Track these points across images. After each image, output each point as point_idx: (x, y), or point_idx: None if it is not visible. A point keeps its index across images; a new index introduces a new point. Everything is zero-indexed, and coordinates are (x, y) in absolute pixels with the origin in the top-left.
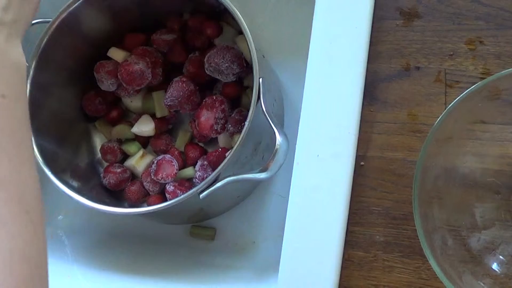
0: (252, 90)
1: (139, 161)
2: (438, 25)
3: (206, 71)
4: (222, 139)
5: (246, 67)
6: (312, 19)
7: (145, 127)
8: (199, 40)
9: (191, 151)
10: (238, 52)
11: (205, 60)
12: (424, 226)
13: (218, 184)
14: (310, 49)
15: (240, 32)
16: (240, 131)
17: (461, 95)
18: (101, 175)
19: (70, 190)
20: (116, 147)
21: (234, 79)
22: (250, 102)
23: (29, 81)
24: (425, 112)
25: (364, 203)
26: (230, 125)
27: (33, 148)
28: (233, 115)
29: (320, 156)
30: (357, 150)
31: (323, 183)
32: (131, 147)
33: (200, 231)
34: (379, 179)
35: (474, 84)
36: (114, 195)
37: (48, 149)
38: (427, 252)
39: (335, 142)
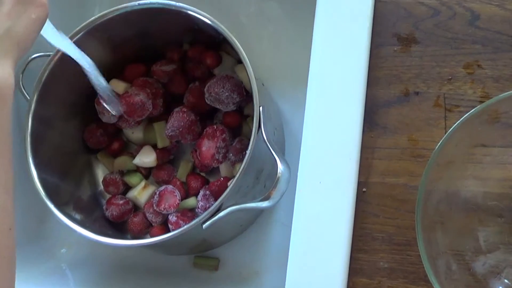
0: (253, 119)
1: (141, 193)
2: (435, 50)
3: (207, 101)
4: (223, 169)
5: (246, 96)
6: (310, 46)
7: (146, 158)
8: (198, 70)
9: (193, 181)
10: (238, 81)
11: (205, 89)
12: (428, 251)
13: (221, 214)
14: (309, 76)
15: (239, 61)
16: (241, 160)
17: (461, 119)
18: (104, 207)
19: (73, 222)
20: (118, 179)
21: (234, 108)
22: (251, 130)
23: (30, 115)
24: (425, 137)
25: (367, 230)
26: (231, 154)
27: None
28: (234, 144)
29: (322, 183)
30: (358, 176)
31: (326, 210)
32: (133, 179)
33: (204, 261)
34: (381, 205)
35: (474, 108)
36: (117, 227)
37: (50, 182)
38: (431, 277)
39: (336, 168)
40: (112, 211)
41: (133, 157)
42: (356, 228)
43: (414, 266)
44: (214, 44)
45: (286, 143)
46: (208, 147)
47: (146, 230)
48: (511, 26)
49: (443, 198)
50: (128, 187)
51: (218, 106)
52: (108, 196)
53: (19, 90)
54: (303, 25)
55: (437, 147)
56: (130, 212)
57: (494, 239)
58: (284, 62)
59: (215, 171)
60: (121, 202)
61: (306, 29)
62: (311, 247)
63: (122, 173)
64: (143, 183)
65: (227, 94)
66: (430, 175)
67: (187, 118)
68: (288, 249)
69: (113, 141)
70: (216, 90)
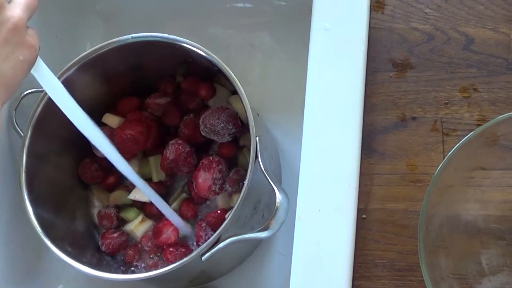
0: (248, 149)
1: (138, 226)
2: (431, 75)
3: (202, 133)
4: (220, 200)
5: (241, 126)
6: (302, 76)
7: (142, 193)
8: (193, 102)
9: (187, 211)
10: (233, 112)
11: (200, 121)
12: (431, 275)
13: (220, 245)
14: (305, 104)
15: (233, 92)
16: (238, 191)
17: (459, 143)
18: (99, 242)
19: (70, 258)
20: (113, 214)
21: (230, 139)
22: (247, 161)
23: (25, 150)
24: (424, 162)
25: (368, 256)
26: (228, 185)
27: None
28: (230, 175)
29: (321, 211)
30: (358, 203)
31: (326, 238)
32: (129, 213)
33: None
34: (382, 231)
35: (471, 132)
36: (113, 261)
37: (46, 217)
38: None
39: (336, 196)
40: (107, 245)
41: (129, 191)
42: (357, 255)
43: None
44: (207, 76)
45: (283, 173)
46: (204, 178)
47: (142, 262)
48: (505, 49)
49: (444, 222)
50: (122, 220)
51: (213, 138)
52: (102, 229)
53: (12, 127)
54: (294, 54)
55: (436, 171)
56: (125, 244)
57: (497, 262)
58: (277, 93)
59: (209, 200)
60: (115, 235)
61: (297, 58)
62: (312, 275)
63: (118, 207)
64: (140, 218)
65: (222, 125)
66: (431, 199)
67: (183, 150)
68: (287, 279)
69: (108, 175)
70: (211, 121)
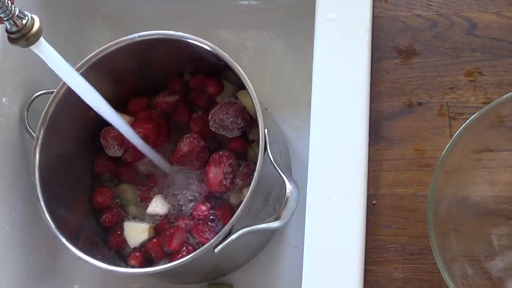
0: (257, 144)
1: (142, 233)
2: (436, 60)
3: (211, 128)
4: (232, 196)
5: (250, 120)
6: (309, 70)
7: (160, 209)
8: (201, 99)
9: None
10: (241, 106)
11: (209, 117)
12: (443, 257)
13: (233, 237)
14: (312, 94)
15: (240, 87)
16: (249, 185)
17: (463, 125)
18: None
19: (85, 254)
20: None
21: (239, 134)
22: (256, 155)
23: (37, 150)
24: (431, 146)
25: (380, 241)
26: (238, 179)
27: None
28: (241, 169)
29: (331, 199)
30: (367, 190)
31: (337, 225)
32: (131, 208)
33: None
34: (392, 216)
35: None
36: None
37: (59, 216)
38: (450, 284)
39: (345, 183)
40: (105, 220)
41: (137, 188)
42: (368, 240)
43: (428, 274)
44: (214, 72)
45: (292, 167)
46: (215, 173)
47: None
48: (508, 32)
49: (453, 204)
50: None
51: (223, 133)
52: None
53: (24, 128)
54: (299, 50)
55: (443, 154)
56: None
57: (508, 242)
58: (283, 89)
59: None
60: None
61: (302, 54)
62: (324, 262)
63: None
64: (147, 226)
65: (231, 119)
66: (439, 182)
67: (197, 144)
68: (300, 271)
69: (121, 168)
70: (220, 116)
